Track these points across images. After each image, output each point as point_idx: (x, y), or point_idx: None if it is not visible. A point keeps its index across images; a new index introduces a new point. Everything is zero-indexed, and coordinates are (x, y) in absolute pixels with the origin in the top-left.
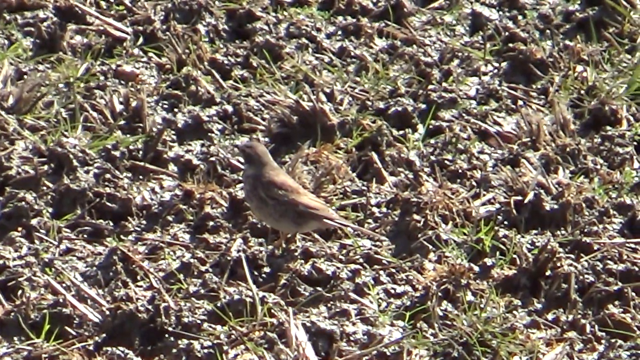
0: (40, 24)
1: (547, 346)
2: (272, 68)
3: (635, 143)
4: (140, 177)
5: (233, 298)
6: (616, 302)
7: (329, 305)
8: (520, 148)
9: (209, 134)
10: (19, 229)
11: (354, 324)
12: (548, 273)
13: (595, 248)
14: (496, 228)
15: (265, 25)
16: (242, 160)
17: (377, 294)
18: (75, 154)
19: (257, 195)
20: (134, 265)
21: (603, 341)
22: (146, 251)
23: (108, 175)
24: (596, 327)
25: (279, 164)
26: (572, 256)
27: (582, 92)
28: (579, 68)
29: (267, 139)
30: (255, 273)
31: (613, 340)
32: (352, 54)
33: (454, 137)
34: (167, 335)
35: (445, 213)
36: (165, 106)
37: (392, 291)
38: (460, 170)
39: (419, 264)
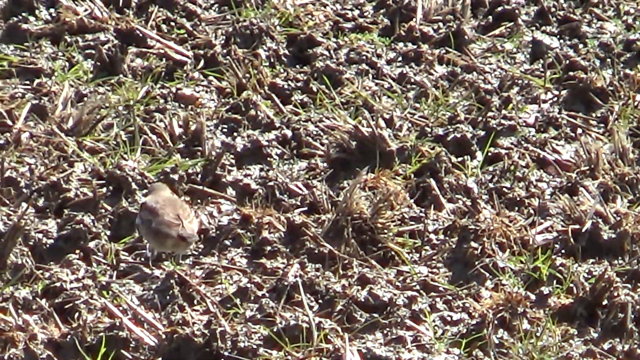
0: (101, 46)
1: None
2: (331, 93)
3: None
4: (199, 200)
5: (289, 323)
6: None
7: (384, 331)
8: (579, 176)
9: (268, 158)
10: (77, 251)
11: (409, 350)
12: (605, 302)
13: None
14: (553, 256)
15: (326, 50)
16: (299, 185)
17: (433, 321)
18: (133, 176)
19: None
20: (190, 289)
21: None
22: (203, 275)
23: None
24: None
25: (337, 189)
26: (629, 286)
27: None
28: (639, 97)
29: (325, 164)
30: (312, 298)
31: None
32: (412, 80)
33: (512, 164)
34: None
35: (503, 241)
36: (225, 130)
37: (449, 318)
38: (518, 198)
39: (475, 291)
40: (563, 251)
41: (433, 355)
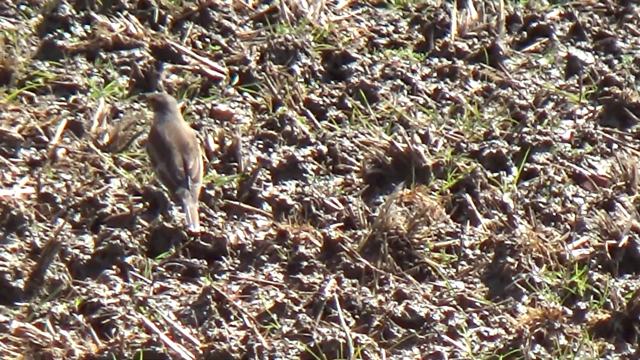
0: (136, 62)
1: None
2: (367, 109)
3: None
4: (235, 216)
5: (326, 339)
6: None
7: (422, 347)
8: (615, 192)
9: (304, 174)
10: (113, 267)
11: None
12: None
13: None
14: (590, 272)
15: (361, 66)
16: (335, 201)
17: (470, 336)
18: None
19: None
20: (227, 305)
21: None
22: (240, 291)
23: (202, 214)
24: None
25: (373, 204)
26: None
27: None
28: None
29: (361, 180)
30: (348, 314)
31: None
32: (447, 95)
33: (548, 180)
34: None
35: (539, 256)
36: (260, 146)
37: (485, 334)
38: (554, 214)
39: (512, 306)
40: (599, 266)
41: None
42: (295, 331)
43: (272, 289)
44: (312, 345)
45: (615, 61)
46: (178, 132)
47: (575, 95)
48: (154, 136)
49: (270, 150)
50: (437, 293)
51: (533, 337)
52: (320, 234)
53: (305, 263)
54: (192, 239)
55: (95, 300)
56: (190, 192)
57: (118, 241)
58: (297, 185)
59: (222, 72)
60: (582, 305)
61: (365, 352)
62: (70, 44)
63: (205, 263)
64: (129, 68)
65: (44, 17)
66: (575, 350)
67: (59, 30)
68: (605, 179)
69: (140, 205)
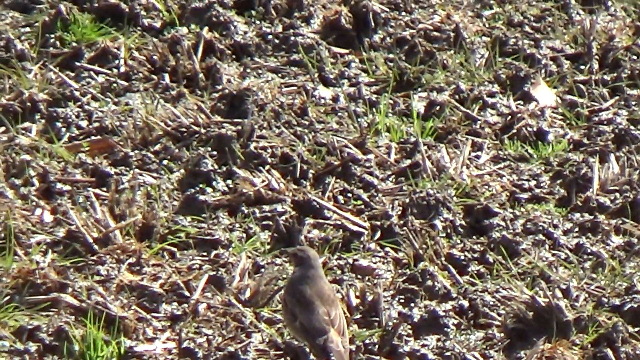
0: (278, 217)
1: None
2: (508, 264)
3: None
4: None
5: None
6: None
7: None
8: None
9: (445, 328)
10: None
11: None
12: None
13: None
14: None
15: (502, 221)
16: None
17: None
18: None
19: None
20: None
21: None
22: None
23: None
24: None
25: (514, 359)
26: None
27: None
28: None
29: (502, 335)
30: None
31: None
32: (589, 250)
33: None
34: None
35: None
36: (402, 301)
37: None
38: None
39: None
40: None
41: None
42: None
43: None
44: None
45: None
46: (319, 286)
47: None
48: (294, 290)
49: (412, 305)
50: None
51: None
52: None
53: None
54: None
55: None
56: (334, 339)
57: None
58: (438, 340)
59: (364, 227)
60: None
61: None
62: (212, 199)
63: None
64: (270, 223)
65: (186, 172)
66: None
67: (200, 185)
68: None
69: None
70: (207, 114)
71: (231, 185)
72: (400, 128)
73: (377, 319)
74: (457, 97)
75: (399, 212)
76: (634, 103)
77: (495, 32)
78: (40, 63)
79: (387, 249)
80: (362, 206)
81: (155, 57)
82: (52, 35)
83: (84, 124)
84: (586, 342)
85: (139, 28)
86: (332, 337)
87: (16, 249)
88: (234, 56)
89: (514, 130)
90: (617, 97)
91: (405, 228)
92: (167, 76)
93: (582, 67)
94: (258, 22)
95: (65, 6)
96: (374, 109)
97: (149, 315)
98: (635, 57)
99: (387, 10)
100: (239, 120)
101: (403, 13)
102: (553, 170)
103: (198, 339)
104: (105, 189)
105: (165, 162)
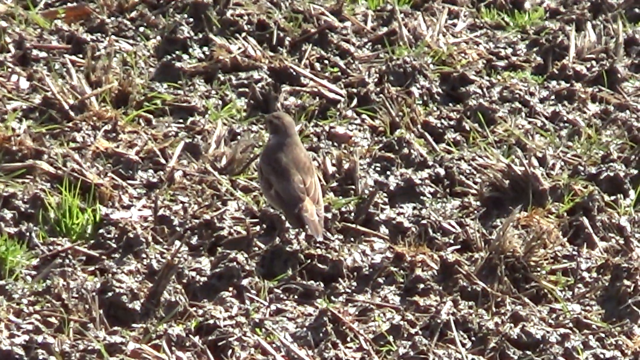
0: (254, 84)
1: None
2: (484, 132)
3: None
4: (352, 239)
5: None
6: None
7: None
8: None
9: (421, 196)
10: (230, 289)
11: None
12: None
13: None
14: None
15: (479, 88)
16: (452, 224)
17: (586, 358)
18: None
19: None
20: (344, 327)
21: None
22: (356, 313)
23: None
24: None
25: (490, 227)
26: None
27: None
28: None
29: (478, 203)
30: (465, 336)
31: None
32: (565, 118)
33: None
34: None
35: None
36: (378, 168)
37: (601, 356)
38: None
39: (628, 329)
40: None
41: None
42: (412, 353)
43: (388, 311)
44: None
45: None
46: (295, 153)
47: None
48: (269, 158)
49: (388, 173)
50: (554, 315)
51: None
52: (437, 256)
53: (421, 285)
54: (309, 261)
55: (211, 322)
56: (309, 207)
57: (235, 263)
58: (414, 208)
59: (341, 95)
60: None
61: None
62: (189, 66)
63: (322, 285)
64: (247, 90)
65: (162, 39)
66: None
67: (177, 52)
68: None
69: (257, 228)
70: None
71: (207, 52)
72: None
73: (354, 186)
74: None
75: (376, 80)
76: None
77: None
78: None
79: (364, 116)
80: (339, 73)
81: None
82: None
83: None
84: (562, 210)
85: None
86: (306, 206)
87: None
88: None
89: None
90: None
91: (381, 95)
92: None
93: None
94: None
95: None
96: None
97: (124, 182)
98: None
99: None
100: None
101: None
102: (529, 38)
103: (174, 207)
104: (81, 55)
105: (141, 29)
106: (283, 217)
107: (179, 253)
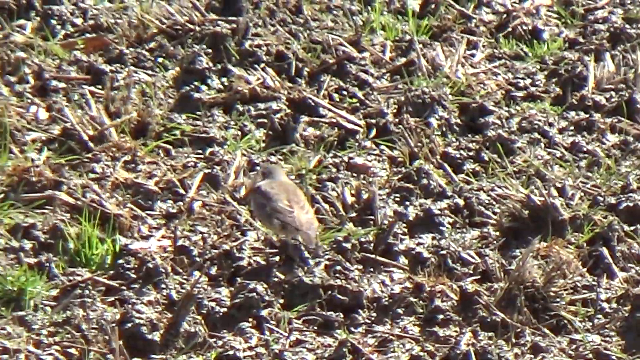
0: (273, 115)
1: None
2: (503, 162)
3: None
4: (371, 269)
5: None
6: None
7: None
8: None
9: (440, 227)
10: (249, 319)
11: None
12: None
13: None
14: None
15: (498, 119)
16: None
17: None
18: (306, 246)
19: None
20: (363, 358)
21: None
22: (376, 343)
23: (339, 267)
24: None
25: (509, 257)
26: None
27: None
28: None
29: (497, 233)
30: None
31: None
32: (584, 149)
33: None
34: None
35: None
36: (397, 199)
37: None
38: None
39: None
40: None
41: None
42: None
43: (407, 341)
44: None
45: None
46: (285, 182)
47: None
48: (260, 190)
49: (407, 203)
50: (573, 346)
51: None
52: (456, 286)
53: (441, 316)
54: (329, 292)
55: (231, 352)
56: (299, 218)
57: (254, 294)
58: (433, 239)
59: (359, 125)
60: None
61: None
62: (207, 97)
63: (342, 316)
64: (265, 121)
65: (181, 69)
66: None
67: (195, 83)
68: None
69: (277, 258)
70: (201, 11)
71: (226, 83)
72: (395, 26)
73: (373, 217)
74: None
75: (394, 110)
76: (629, 1)
77: None
78: None
79: (382, 147)
80: (357, 104)
81: None
82: None
83: (78, 21)
84: (582, 241)
85: None
86: (299, 215)
87: (11, 147)
88: None
89: (509, 29)
90: None
91: (400, 126)
92: None
93: None
94: None
95: None
96: (369, 7)
97: (144, 213)
98: None
99: None
100: (234, 17)
101: None
102: (548, 68)
103: (193, 237)
104: (100, 86)
105: (160, 59)
106: (301, 247)
107: (198, 283)
